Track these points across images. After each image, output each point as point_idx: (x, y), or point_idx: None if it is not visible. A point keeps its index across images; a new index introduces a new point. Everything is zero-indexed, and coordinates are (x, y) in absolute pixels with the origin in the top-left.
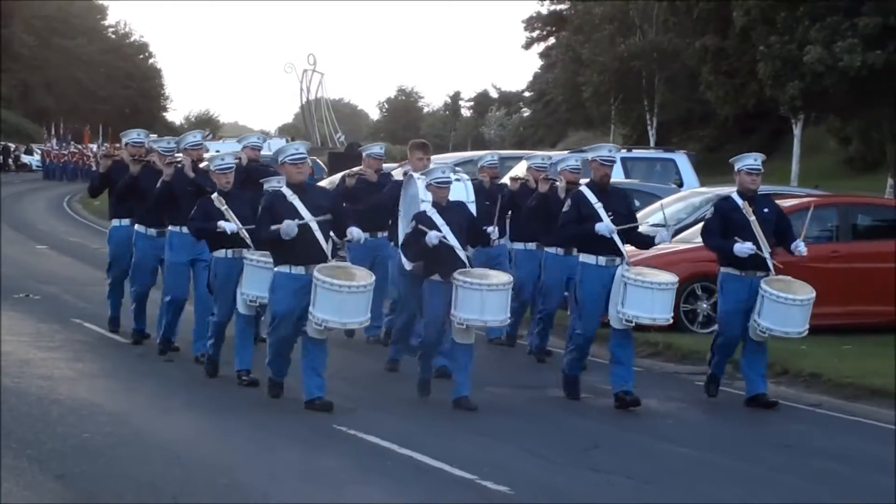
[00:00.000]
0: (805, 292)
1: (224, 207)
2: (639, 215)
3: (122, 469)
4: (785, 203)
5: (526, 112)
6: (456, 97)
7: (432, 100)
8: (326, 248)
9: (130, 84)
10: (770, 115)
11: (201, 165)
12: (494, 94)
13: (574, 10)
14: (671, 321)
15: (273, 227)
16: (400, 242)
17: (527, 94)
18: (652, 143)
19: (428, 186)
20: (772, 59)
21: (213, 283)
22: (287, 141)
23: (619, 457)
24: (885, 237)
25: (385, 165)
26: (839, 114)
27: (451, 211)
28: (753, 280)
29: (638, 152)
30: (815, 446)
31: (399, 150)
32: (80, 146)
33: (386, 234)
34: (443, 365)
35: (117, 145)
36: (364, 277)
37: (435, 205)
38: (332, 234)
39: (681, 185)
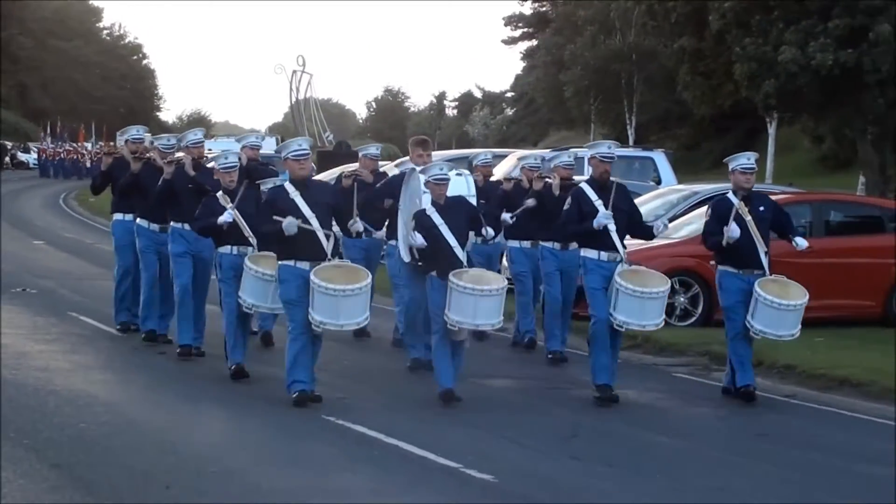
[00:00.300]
0: (799, 296)
1: (230, 206)
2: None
3: (116, 458)
4: None
5: (509, 112)
6: (441, 97)
7: (418, 100)
8: (327, 245)
9: (125, 84)
10: (745, 114)
11: (209, 165)
12: (478, 95)
13: (556, 13)
14: (661, 325)
15: (276, 218)
16: (400, 236)
17: (509, 94)
18: (631, 142)
19: (426, 183)
20: (747, 59)
21: (219, 277)
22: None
23: (598, 445)
24: (856, 233)
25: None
26: (812, 113)
27: (450, 209)
28: (750, 278)
29: (617, 151)
30: (789, 435)
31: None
32: (75, 144)
33: (378, 233)
34: (417, 358)
35: (112, 143)
36: (361, 278)
37: (434, 203)
38: (336, 229)
39: (659, 182)
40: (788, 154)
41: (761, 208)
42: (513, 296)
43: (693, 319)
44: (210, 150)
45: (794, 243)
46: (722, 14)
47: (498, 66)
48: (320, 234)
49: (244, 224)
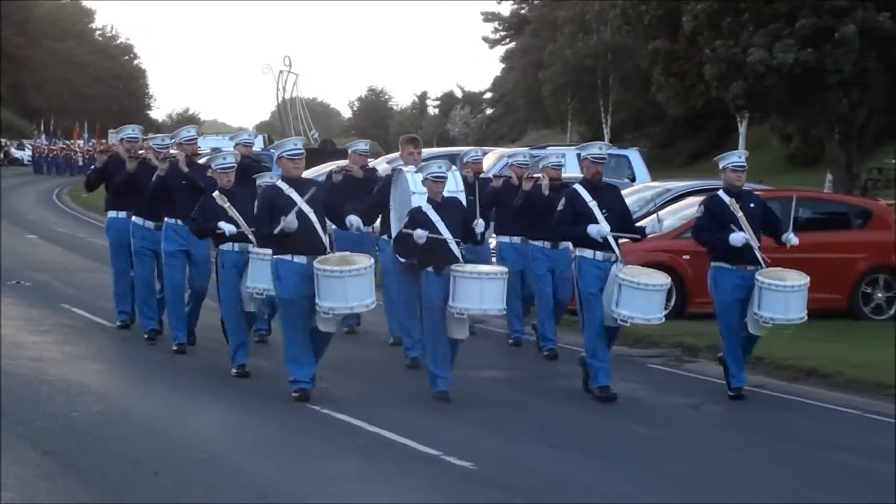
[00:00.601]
0: (800, 278)
1: (227, 205)
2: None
3: (107, 446)
4: None
5: (488, 111)
6: (423, 96)
7: (401, 99)
8: (325, 239)
9: (117, 84)
10: (717, 114)
11: (199, 161)
12: (459, 94)
13: (533, 15)
14: (663, 320)
15: (276, 230)
16: (393, 235)
17: (489, 94)
18: (606, 140)
19: (424, 181)
20: (717, 61)
21: (220, 275)
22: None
23: (575, 434)
24: (824, 229)
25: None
26: (780, 113)
27: (446, 206)
28: (745, 274)
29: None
30: (759, 424)
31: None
32: (68, 142)
33: (370, 229)
34: (416, 357)
35: (104, 141)
36: (364, 261)
37: (430, 200)
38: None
39: (633, 179)
40: (758, 152)
41: (752, 205)
42: None
43: (666, 312)
44: (200, 147)
45: (784, 239)
46: (695, 16)
47: (478, 67)
48: (319, 230)
49: (244, 224)
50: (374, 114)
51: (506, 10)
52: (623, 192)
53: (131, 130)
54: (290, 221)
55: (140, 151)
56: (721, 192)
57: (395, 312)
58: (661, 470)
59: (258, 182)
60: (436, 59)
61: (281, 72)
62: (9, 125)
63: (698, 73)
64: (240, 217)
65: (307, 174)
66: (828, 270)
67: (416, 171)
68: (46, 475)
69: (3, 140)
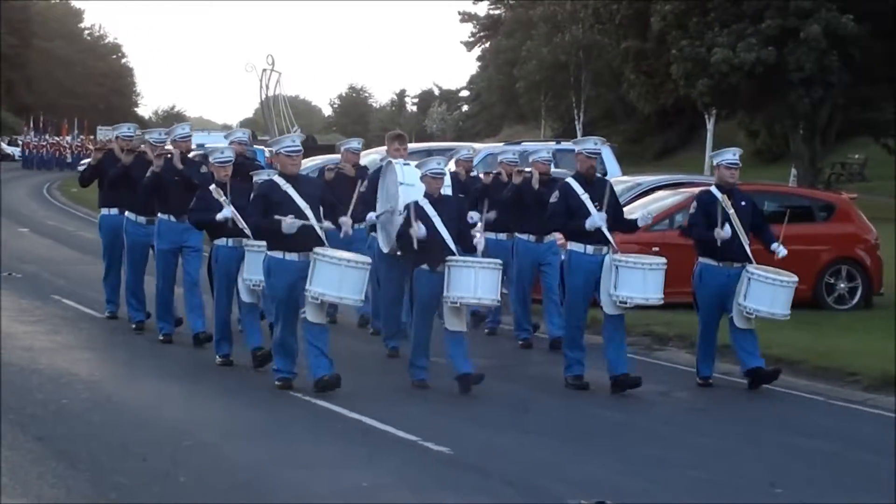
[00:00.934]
0: (788, 274)
1: (223, 198)
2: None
3: (96, 432)
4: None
5: (465, 108)
6: (402, 94)
7: (380, 96)
8: (322, 234)
9: (105, 82)
10: (686, 111)
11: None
12: (436, 92)
13: (507, 16)
14: (662, 301)
15: (276, 218)
16: (378, 229)
17: (465, 92)
18: (579, 136)
19: (423, 178)
20: (683, 60)
21: (214, 269)
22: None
23: (548, 420)
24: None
25: (335, 157)
26: (746, 109)
27: (443, 203)
28: (730, 270)
29: (566, 144)
30: (726, 410)
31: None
32: (57, 138)
33: (361, 225)
34: (395, 347)
35: (91, 137)
36: (363, 258)
37: (427, 196)
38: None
39: (605, 174)
40: (726, 148)
41: (743, 203)
42: None
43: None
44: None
45: (773, 248)
46: (662, 16)
47: (454, 66)
48: (316, 226)
49: (239, 217)
50: (354, 111)
51: (482, 10)
52: None
53: (127, 129)
54: (290, 225)
55: (139, 148)
56: (713, 188)
57: (377, 304)
58: (632, 454)
59: (255, 179)
60: (414, 58)
61: (264, 70)
62: (0, 122)
63: (667, 72)
64: (235, 211)
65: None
66: (792, 262)
67: (406, 164)
68: (38, 460)
69: None
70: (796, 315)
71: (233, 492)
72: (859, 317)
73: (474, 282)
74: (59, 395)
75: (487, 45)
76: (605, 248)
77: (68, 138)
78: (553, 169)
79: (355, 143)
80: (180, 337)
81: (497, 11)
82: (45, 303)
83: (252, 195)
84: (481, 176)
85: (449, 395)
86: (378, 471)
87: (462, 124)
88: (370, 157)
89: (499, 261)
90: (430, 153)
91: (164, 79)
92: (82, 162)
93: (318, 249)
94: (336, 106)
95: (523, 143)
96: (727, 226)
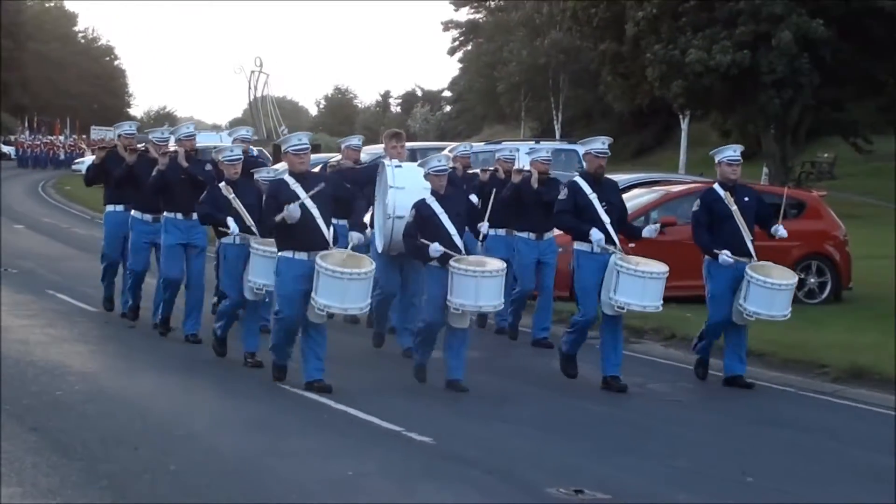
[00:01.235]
0: (787, 277)
1: (231, 196)
2: None
3: (89, 422)
4: (673, 189)
5: (447, 108)
6: (386, 95)
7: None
8: (328, 234)
9: (98, 83)
10: (661, 111)
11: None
12: (419, 93)
13: (487, 20)
14: (660, 308)
15: (277, 217)
16: (375, 226)
17: (447, 93)
18: (557, 136)
19: (426, 176)
20: (658, 63)
21: (223, 266)
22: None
23: (528, 410)
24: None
25: (322, 156)
26: (719, 110)
27: (449, 199)
28: (738, 265)
29: (545, 144)
30: (699, 401)
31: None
32: (50, 137)
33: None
34: (410, 347)
35: (85, 137)
36: (365, 264)
37: (434, 193)
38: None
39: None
40: (700, 147)
41: (746, 199)
42: None
43: None
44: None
45: (773, 231)
46: (636, 22)
47: (437, 67)
48: (323, 228)
49: (246, 215)
50: (339, 111)
51: (462, 15)
52: None
53: (128, 126)
54: (291, 210)
55: (139, 145)
56: (716, 186)
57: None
58: (610, 444)
59: (256, 177)
60: (397, 60)
61: (252, 72)
62: None
63: (643, 73)
64: (243, 208)
65: (278, 166)
66: (765, 257)
67: (398, 166)
68: (33, 450)
69: None
70: None
71: (222, 480)
72: (829, 311)
73: (475, 291)
74: (54, 386)
75: (469, 47)
76: (611, 248)
77: (61, 137)
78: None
79: (356, 140)
80: (173, 332)
81: (478, 15)
82: (40, 297)
83: (264, 197)
84: (479, 172)
85: (432, 387)
86: (363, 460)
87: (444, 124)
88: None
89: (502, 266)
90: (412, 152)
91: (155, 80)
92: (76, 160)
93: (320, 261)
94: (322, 106)
95: (503, 143)
96: (725, 254)
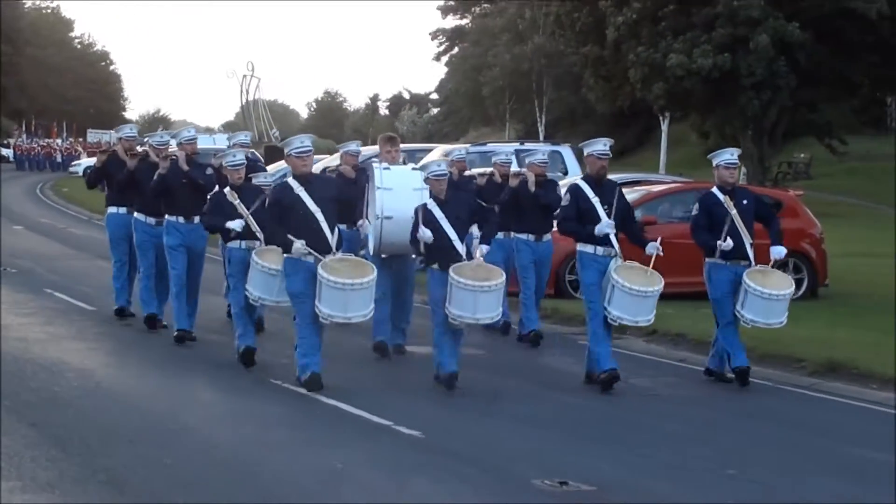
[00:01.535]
0: (785, 285)
1: (237, 202)
2: None
3: (86, 417)
4: (654, 188)
5: (434, 111)
6: (374, 98)
7: (354, 101)
8: (332, 238)
9: (94, 88)
10: (642, 112)
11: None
12: (407, 96)
13: (472, 26)
14: (652, 322)
15: (290, 238)
16: (369, 230)
17: (434, 96)
18: (541, 137)
19: (426, 180)
20: (640, 65)
21: (228, 270)
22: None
23: (515, 405)
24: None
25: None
26: (698, 112)
27: (451, 204)
28: (737, 268)
29: (529, 145)
30: (679, 395)
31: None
32: (48, 140)
33: (356, 227)
34: (382, 340)
35: (81, 140)
36: (367, 272)
37: (434, 198)
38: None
39: (566, 173)
40: (679, 148)
41: (744, 201)
42: None
43: None
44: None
45: (772, 252)
46: (616, 28)
47: (424, 71)
48: (327, 233)
49: (251, 220)
50: (329, 115)
51: (449, 23)
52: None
53: (129, 129)
54: (297, 250)
55: (139, 148)
56: (714, 189)
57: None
58: (593, 438)
59: (254, 181)
60: (386, 64)
61: (245, 76)
62: None
63: (624, 76)
64: (247, 213)
65: (271, 169)
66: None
67: (386, 168)
68: (31, 444)
69: None
70: None
71: (215, 472)
72: (806, 307)
73: (473, 304)
74: (52, 382)
75: (455, 51)
76: (612, 251)
77: (58, 141)
78: (513, 168)
79: (354, 146)
80: (167, 329)
81: (463, 21)
82: (38, 296)
83: (267, 201)
84: (476, 176)
85: (419, 381)
86: (352, 453)
87: (431, 127)
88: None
89: (502, 278)
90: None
91: (150, 84)
92: (73, 163)
93: (321, 271)
94: (313, 109)
95: (489, 144)
96: (728, 239)
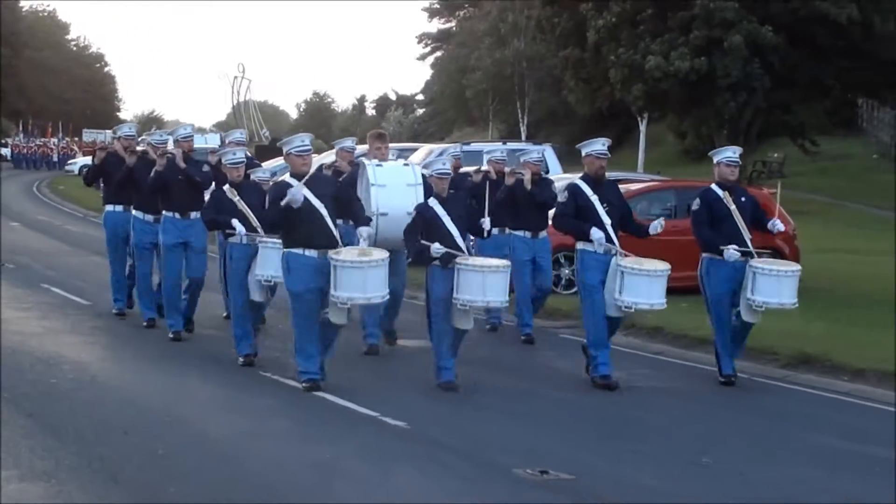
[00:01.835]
0: (791, 265)
1: (236, 199)
2: None
3: (82, 409)
4: (632, 187)
5: (419, 112)
6: (361, 99)
7: (342, 101)
8: (336, 232)
9: (89, 89)
10: (621, 113)
11: (215, 160)
12: (393, 97)
13: (458, 28)
14: (665, 305)
15: (283, 202)
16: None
17: (420, 97)
18: (523, 137)
19: (430, 178)
20: (620, 67)
21: (228, 267)
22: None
23: (498, 397)
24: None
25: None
26: (676, 112)
27: (451, 202)
28: (736, 265)
29: (512, 145)
30: (656, 387)
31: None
32: (44, 140)
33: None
34: (374, 343)
35: (77, 139)
36: (380, 253)
37: (436, 196)
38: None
39: (547, 172)
40: (657, 147)
41: (743, 199)
42: None
43: (575, 289)
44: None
45: (769, 226)
46: (597, 30)
47: (410, 72)
48: (330, 224)
49: (251, 215)
50: (318, 115)
51: (434, 27)
52: None
53: (128, 128)
54: (294, 194)
55: (140, 149)
56: (714, 186)
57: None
58: (576, 428)
59: (252, 177)
60: (372, 66)
61: (235, 77)
62: None
63: (604, 77)
64: (248, 209)
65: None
66: None
67: (378, 165)
68: (28, 435)
69: None
70: None
71: (207, 462)
72: None
73: (483, 285)
74: (49, 375)
75: (440, 53)
76: (613, 249)
77: (54, 140)
78: (506, 168)
79: (349, 142)
80: (161, 323)
81: (449, 24)
82: (35, 291)
83: (268, 199)
84: (472, 174)
85: (405, 374)
86: (340, 443)
87: (417, 127)
88: (330, 159)
89: (507, 262)
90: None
91: (143, 85)
92: (69, 162)
93: (335, 256)
94: (302, 110)
95: (472, 144)
96: (732, 249)
